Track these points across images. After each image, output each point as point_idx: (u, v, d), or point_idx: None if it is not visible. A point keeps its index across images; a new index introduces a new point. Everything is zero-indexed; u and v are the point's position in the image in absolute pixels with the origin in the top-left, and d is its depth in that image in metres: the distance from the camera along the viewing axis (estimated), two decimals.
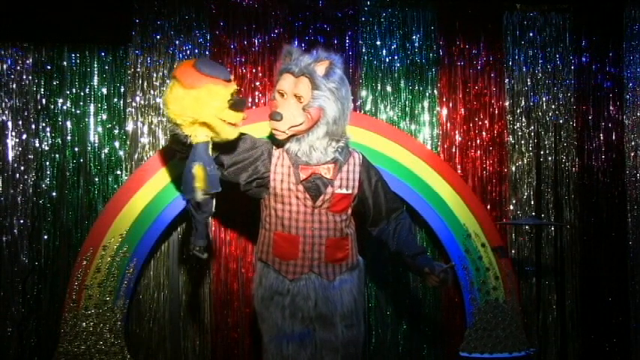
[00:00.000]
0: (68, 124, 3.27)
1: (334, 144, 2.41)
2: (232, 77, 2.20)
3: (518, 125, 3.61)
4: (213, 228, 3.33)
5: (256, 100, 3.37)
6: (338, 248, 2.44)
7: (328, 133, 2.37)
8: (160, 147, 3.25)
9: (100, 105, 3.30)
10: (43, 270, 3.20)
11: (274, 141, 2.45)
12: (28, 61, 3.24)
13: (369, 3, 3.50)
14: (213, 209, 2.28)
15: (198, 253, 2.29)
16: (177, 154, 2.38)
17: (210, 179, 2.14)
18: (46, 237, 3.22)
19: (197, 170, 2.13)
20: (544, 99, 3.63)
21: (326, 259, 2.41)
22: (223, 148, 2.34)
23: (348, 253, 2.48)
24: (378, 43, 3.51)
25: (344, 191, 2.42)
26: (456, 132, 3.54)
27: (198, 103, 2.10)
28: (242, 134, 2.43)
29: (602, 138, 3.66)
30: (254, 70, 3.37)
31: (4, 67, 3.22)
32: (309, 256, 2.40)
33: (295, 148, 2.38)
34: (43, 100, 3.25)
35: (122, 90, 3.30)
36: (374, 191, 2.52)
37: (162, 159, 3.06)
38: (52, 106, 3.26)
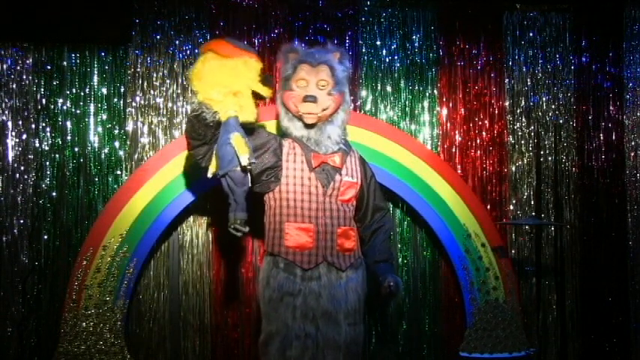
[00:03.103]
0: (68, 124, 3.27)
1: (341, 135, 2.54)
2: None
3: (518, 125, 3.61)
4: (213, 228, 3.33)
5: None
6: (347, 238, 2.49)
7: (343, 122, 2.52)
8: (160, 147, 3.25)
9: (100, 105, 3.29)
10: (43, 270, 3.20)
11: (282, 134, 2.54)
12: (28, 61, 3.24)
13: (369, 3, 3.50)
14: (250, 183, 2.33)
15: (240, 226, 2.28)
16: (192, 142, 2.36)
17: (250, 147, 2.24)
18: (46, 237, 3.22)
19: (236, 139, 2.21)
20: (544, 99, 3.63)
21: (338, 249, 2.45)
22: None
23: (355, 244, 2.54)
24: (378, 43, 3.51)
25: (350, 179, 2.51)
26: (456, 132, 3.54)
27: (234, 72, 2.21)
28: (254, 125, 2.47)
29: (602, 138, 3.66)
30: None
31: (4, 67, 3.22)
32: (323, 244, 2.43)
33: (314, 135, 2.47)
34: (43, 100, 3.25)
35: (122, 90, 3.30)
36: (368, 186, 2.62)
37: (163, 159, 3.06)
38: (52, 106, 3.25)
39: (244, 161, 2.21)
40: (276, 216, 2.47)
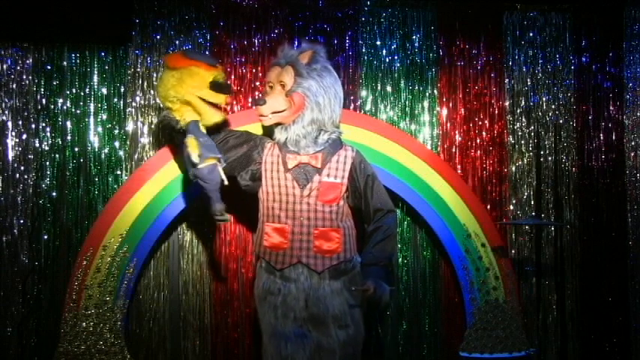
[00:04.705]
0: (68, 124, 3.27)
1: (325, 135, 2.45)
2: (219, 65, 2.43)
3: (518, 125, 3.61)
4: (213, 228, 3.32)
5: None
6: (327, 239, 2.44)
7: (314, 121, 2.42)
8: (160, 147, 3.24)
9: (100, 105, 3.29)
10: (43, 270, 3.20)
11: (271, 135, 2.53)
12: (28, 61, 3.23)
13: (369, 3, 3.50)
14: (222, 178, 2.40)
15: (220, 217, 2.42)
16: (174, 140, 2.61)
17: (204, 147, 2.34)
18: (46, 237, 3.22)
19: (189, 141, 2.36)
20: (544, 99, 3.63)
21: (315, 250, 2.42)
22: (220, 147, 2.49)
23: (339, 246, 2.46)
24: (378, 43, 3.51)
25: (331, 180, 2.44)
26: (456, 132, 3.54)
27: (179, 82, 2.33)
28: (236, 131, 2.61)
29: (602, 138, 3.66)
30: (254, 70, 3.36)
31: (4, 67, 3.21)
32: (298, 245, 2.42)
33: (282, 136, 2.45)
34: (43, 100, 3.25)
35: (122, 90, 3.30)
36: (364, 186, 2.51)
37: (162, 159, 3.05)
38: (52, 106, 3.25)
39: (194, 159, 2.33)
40: (260, 217, 2.51)
